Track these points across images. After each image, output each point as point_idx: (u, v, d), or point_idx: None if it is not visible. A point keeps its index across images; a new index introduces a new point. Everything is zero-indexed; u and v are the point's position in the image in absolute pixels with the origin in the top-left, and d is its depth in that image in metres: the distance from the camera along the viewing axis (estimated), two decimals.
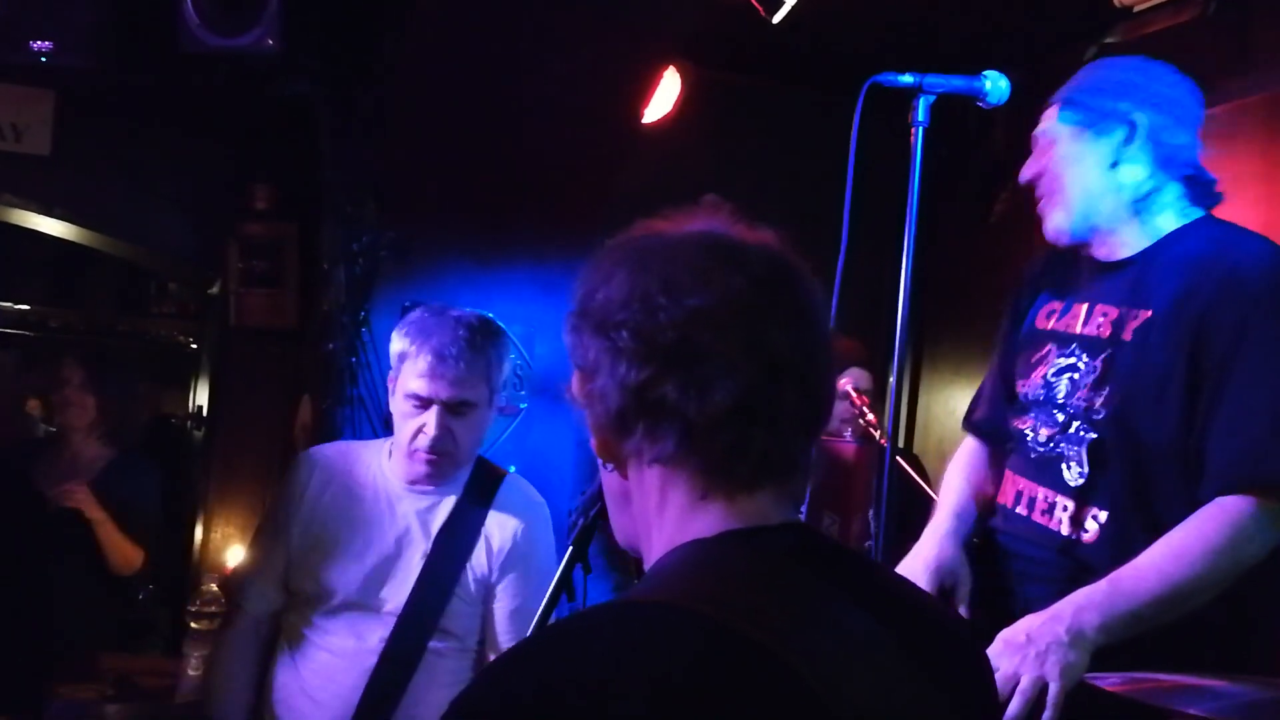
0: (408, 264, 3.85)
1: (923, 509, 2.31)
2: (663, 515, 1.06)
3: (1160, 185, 1.99)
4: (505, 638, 2.41)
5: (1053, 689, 1.74)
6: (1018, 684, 1.77)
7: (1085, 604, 1.80)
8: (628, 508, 1.11)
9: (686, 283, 1.02)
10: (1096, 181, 2.01)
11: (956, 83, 2.07)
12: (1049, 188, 2.07)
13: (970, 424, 2.36)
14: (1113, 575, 1.82)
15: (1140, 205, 2.00)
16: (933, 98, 2.05)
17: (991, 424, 2.28)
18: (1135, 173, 1.99)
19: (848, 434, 3.49)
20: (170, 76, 3.90)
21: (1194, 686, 1.52)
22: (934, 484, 2.93)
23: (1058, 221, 2.06)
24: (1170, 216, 2.01)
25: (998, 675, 1.78)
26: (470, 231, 3.83)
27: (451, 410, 2.32)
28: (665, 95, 4.10)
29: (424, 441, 2.33)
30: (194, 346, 6.00)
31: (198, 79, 3.90)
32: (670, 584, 0.99)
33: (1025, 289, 2.25)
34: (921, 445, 4.81)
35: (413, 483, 2.41)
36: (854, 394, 3.36)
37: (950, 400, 4.79)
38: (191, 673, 3.09)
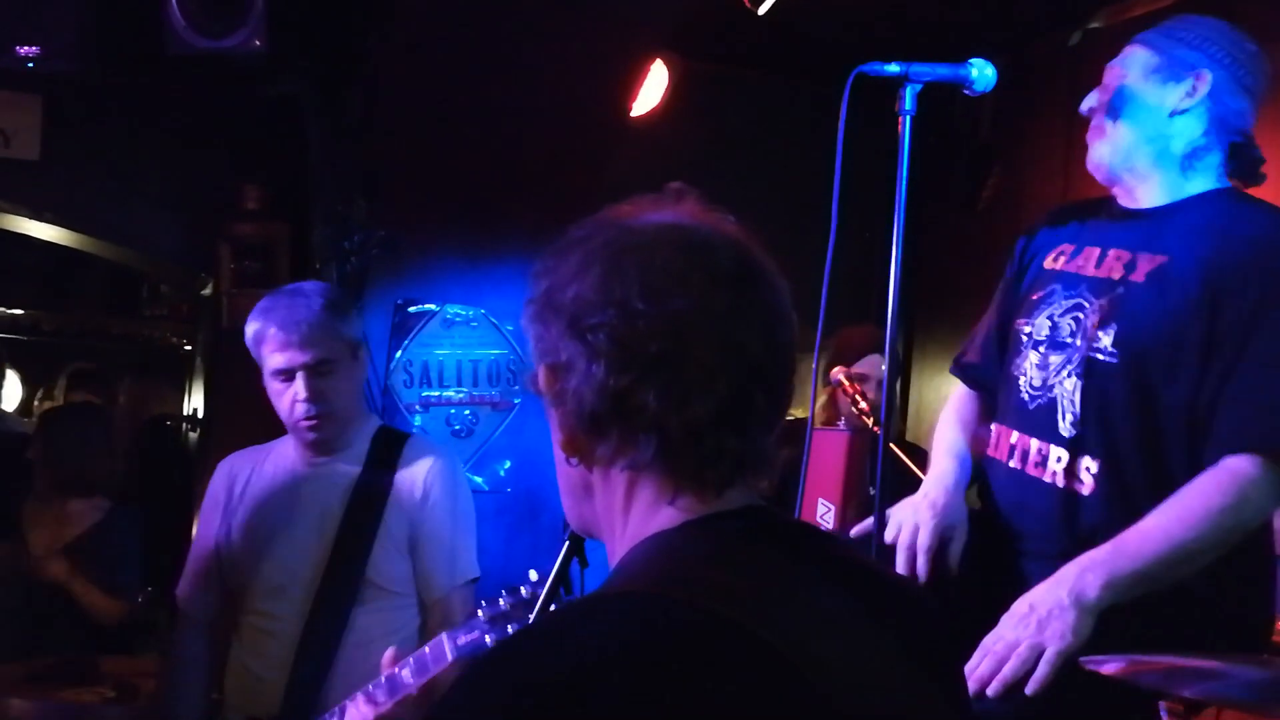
0: (399, 262, 3.86)
1: None
2: (628, 512, 1.06)
3: (1209, 146, 2.02)
4: (439, 580, 2.51)
5: (1049, 652, 1.75)
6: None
7: (1088, 566, 1.81)
8: (589, 500, 1.11)
9: (665, 287, 1.00)
10: (1151, 125, 2.03)
11: (942, 71, 2.07)
12: (1104, 120, 2.08)
13: (960, 367, 2.36)
14: (1117, 538, 1.83)
15: (1184, 160, 2.02)
16: (919, 86, 2.05)
17: (981, 370, 2.28)
18: (1190, 127, 2.01)
19: (841, 422, 3.49)
20: (158, 79, 3.89)
21: (1191, 668, 1.53)
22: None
23: (1100, 153, 2.08)
24: (1206, 179, 2.03)
25: (1003, 643, 1.80)
26: (461, 228, 3.83)
27: (314, 372, 2.43)
28: (653, 88, 4.11)
29: (300, 409, 2.44)
30: (187, 348, 6.00)
31: (185, 81, 3.90)
32: (638, 575, 0.99)
33: (1036, 234, 2.25)
34: (914, 432, 4.82)
35: (313, 456, 2.52)
36: (846, 382, 3.37)
37: (942, 387, 4.79)
38: None
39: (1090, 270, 2.05)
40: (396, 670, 1.98)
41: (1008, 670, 1.77)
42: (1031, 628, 1.78)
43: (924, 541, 2.02)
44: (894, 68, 2.04)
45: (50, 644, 3.52)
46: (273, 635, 2.45)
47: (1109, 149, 2.07)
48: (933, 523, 2.03)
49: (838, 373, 3.46)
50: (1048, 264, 2.15)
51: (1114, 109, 2.06)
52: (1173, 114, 2.01)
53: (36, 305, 6.42)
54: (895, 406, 4.80)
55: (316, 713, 2.32)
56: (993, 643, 1.81)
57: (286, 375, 2.43)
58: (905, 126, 2.06)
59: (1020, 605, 1.83)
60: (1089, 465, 1.95)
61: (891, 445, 2.47)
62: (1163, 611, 1.84)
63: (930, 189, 4.64)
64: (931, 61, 2.07)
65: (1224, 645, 1.87)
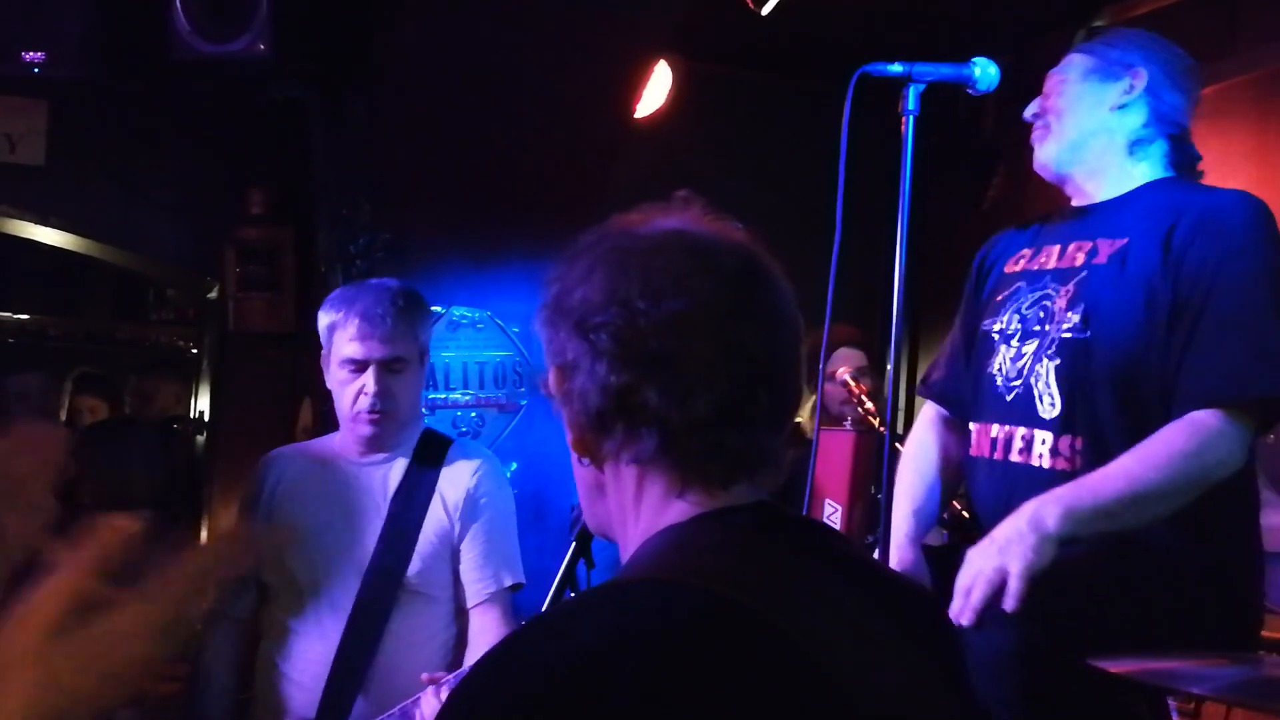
0: (404, 264, 3.86)
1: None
2: (639, 508, 1.08)
3: (1151, 137, 2.08)
4: (479, 585, 2.47)
5: (1014, 570, 1.76)
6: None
7: (1048, 498, 1.83)
8: (603, 499, 1.13)
9: (666, 287, 1.03)
10: (1095, 121, 2.09)
11: (945, 70, 2.07)
12: (1048, 121, 2.14)
13: (926, 386, 2.38)
14: (1082, 477, 1.87)
15: (1129, 150, 2.09)
16: (922, 86, 2.06)
17: (949, 384, 2.30)
18: (1131, 119, 2.08)
19: (847, 423, 3.50)
20: (163, 84, 3.91)
21: (1197, 667, 1.53)
22: None
23: (1048, 153, 2.14)
24: (1153, 167, 2.09)
25: (968, 574, 1.82)
26: (465, 230, 3.84)
27: (387, 369, 2.40)
28: (657, 89, 4.11)
29: (365, 402, 2.40)
30: (194, 352, 6.01)
31: (190, 86, 3.92)
32: (651, 564, 1.01)
33: (992, 247, 2.30)
34: None
35: (362, 451, 2.48)
36: (851, 383, 3.37)
37: None
38: None
39: (1053, 264, 2.09)
40: (412, 702, 1.96)
41: (976, 596, 1.79)
42: (993, 555, 1.80)
43: None
44: (897, 68, 2.04)
45: None
46: (307, 635, 2.42)
47: (1055, 147, 2.13)
48: None
49: (844, 373, 3.47)
50: (1009, 269, 2.19)
51: (1058, 110, 2.12)
52: (1114, 108, 2.08)
53: (43, 310, 6.44)
54: (898, 406, 4.80)
55: (354, 716, 2.32)
56: (962, 579, 1.83)
57: (358, 367, 2.39)
58: (909, 126, 2.06)
59: (983, 541, 1.86)
60: (1073, 443, 1.96)
61: (897, 445, 2.47)
62: (1155, 604, 1.87)
63: (934, 189, 4.64)
64: (935, 61, 2.07)
65: (1215, 638, 1.87)
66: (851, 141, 2.04)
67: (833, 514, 3.39)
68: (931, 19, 4.16)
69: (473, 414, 3.95)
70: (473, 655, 2.44)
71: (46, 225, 4.31)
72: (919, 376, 5.00)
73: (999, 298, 2.15)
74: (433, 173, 3.77)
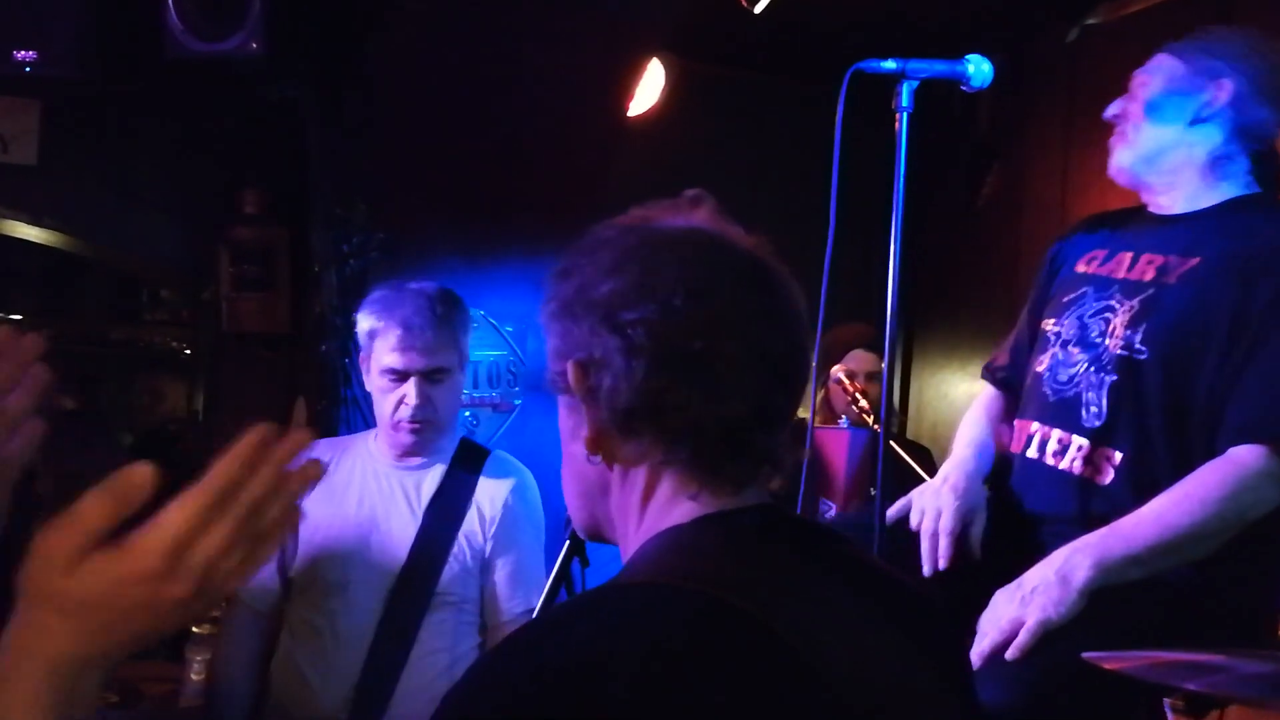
0: (399, 264, 3.85)
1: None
2: (645, 509, 1.07)
3: (1232, 154, 2.03)
4: (506, 604, 2.46)
5: (1029, 622, 1.77)
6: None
7: (1080, 547, 1.82)
8: (604, 499, 1.11)
9: (704, 287, 1.02)
10: (1171, 134, 2.04)
11: (939, 67, 2.07)
12: (1126, 127, 2.10)
13: (989, 370, 2.36)
14: (1115, 522, 1.85)
15: (1208, 168, 2.04)
16: (916, 83, 2.06)
17: (1010, 372, 2.29)
18: (1211, 134, 2.02)
19: (843, 421, 3.50)
20: (156, 83, 3.89)
21: (1197, 663, 1.53)
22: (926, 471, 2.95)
23: (1121, 159, 2.10)
24: (1233, 185, 2.04)
25: (987, 617, 1.83)
26: (460, 230, 3.83)
27: (428, 378, 2.40)
28: (650, 88, 4.11)
29: (406, 412, 2.40)
30: (188, 353, 6.00)
31: (183, 85, 3.90)
32: (652, 566, 1.01)
33: (1069, 240, 2.26)
34: (915, 430, 4.82)
35: (400, 457, 2.47)
36: (846, 381, 3.37)
37: (942, 385, 4.79)
38: (195, 677, 3.10)
39: (1122, 274, 2.06)
40: None
41: (986, 643, 1.79)
42: (1015, 603, 1.80)
43: (946, 525, 2.02)
44: (891, 64, 2.04)
45: None
46: (333, 637, 2.39)
47: (1130, 154, 2.08)
48: (954, 505, 2.03)
49: (838, 371, 3.47)
50: (1079, 268, 2.16)
51: (1136, 117, 2.08)
52: (1193, 122, 2.02)
53: (36, 311, 6.42)
54: (894, 405, 4.80)
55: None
56: (983, 623, 1.84)
57: (400, 377, 2.39)
58: (902, 124, 2.06)
59: (1012, 584, 1.85)
60: (1111, 456, 1.95)
61: (892, 444, 2.47)
62: (1161, 601, 1.85)
63: (928, 187, 4.64)
64: (928, 58, 2.07)
65: (1224, 636, 1.86)
66: (845, 139, 2.04)
67: (828, 512, 3.39)
68: (925, 17, 4.16)
69: (467, 414, 3.94)
70: None
71: (39, 226, 4.29)
72: (915, 370, 5.04)
73: (1065, 298, 2.13)
74: (427, 172, 3.76)
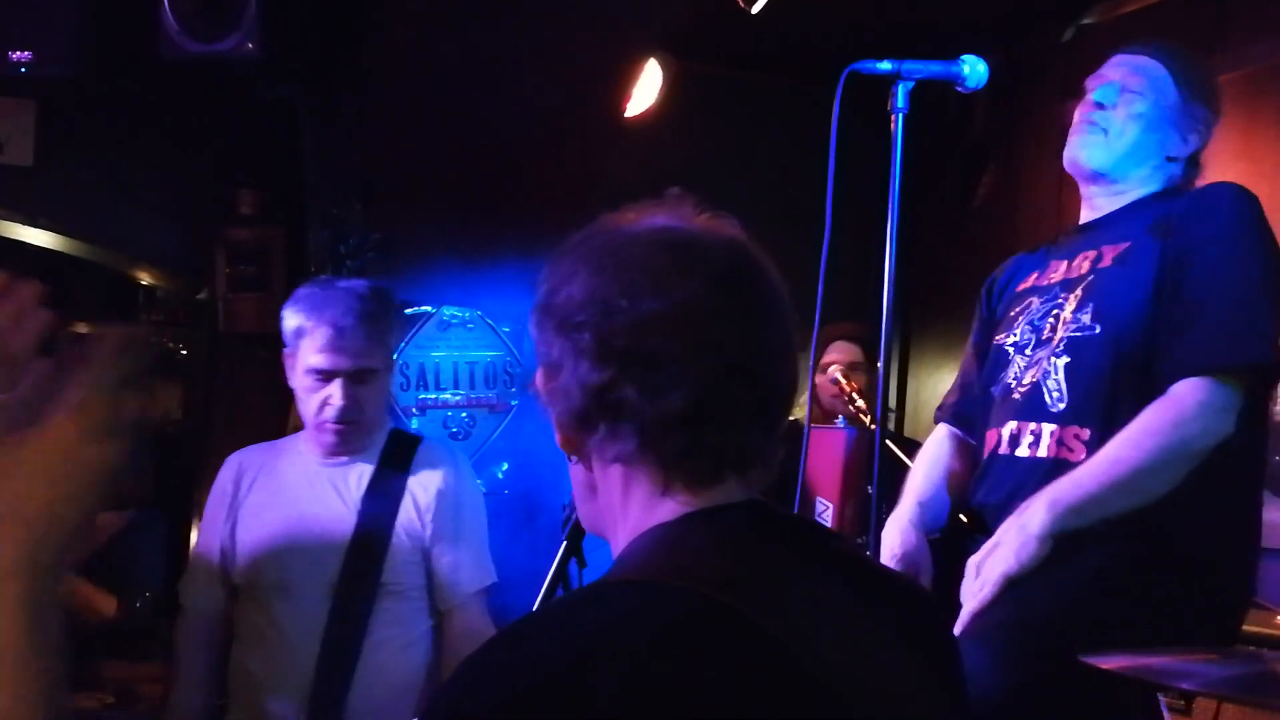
0: (395, 264, 3.86)
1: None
2: (627, 506, 1.08)
3: (1179, 188, 2.12)
4: (455, 589, 2.48)
5: (990, 576, 1.83)
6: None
7: (1038, 496, 1.87)
8: (594, 498, 1.13)
9: (643, 285, 1.03)
10: (1148, 159, 2.10)
11: (935, 68, 2.08)
12: (1108, 125, 2.10)
13: (942, 410, 2.39)
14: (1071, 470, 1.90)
15: (1157, 192, 2.11)
16: (912, 84, 2.06)
17: (960, 408, 2.32)
18: (1174, 172, 2.11)
19: (839, 420, 3.50)
20: (152, 83, 3.89)
21: (1191, 663, 1.54)
22: None
23: (1093, 155, 2.12)
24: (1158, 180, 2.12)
25: (965, 585, 1.88)
26: (456, 230, 3.83)
27: (354, 379, 2.39)
28: (647, 89, 4.11)
29: (331, 413, 2.39)
30: (184, 353, 5.99)
31: (179, 85, 3.90)
32: (638, 564, 1.01)
33: (1001, 274, 2.32)
34: (912, 429, 4.82)
35: (328, 455, 2.47)
36: (842, 380, 3.38)
37: (939, 383, 4.79)
38: None
39: (1060, 276, 2.12)
40: None
41: (965, 611, 1.85)
42: (983, 563, 1.87)
43: None
44: (886, 65, 2.04)
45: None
46: (280, 638, 2.40)
47: (1105, 156, 2.11)
48: (892, 567, 2.06)
49: (834, 370, 3.48)
50: (1020, 288, 2.21)
51: (1121, 126, 2.09)
52: (1168, 158, 2.10)
53: None
54: (890, 403, 4.81)
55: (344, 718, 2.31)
56: (963, 592, 1.90)
57: (325, 377, 2.38)
58: (898, 124, 2.07)
59: (984, 545, 1.90)
60: (1080, 433, 1.98)
61: (888, 442, 2.48)
62: (1143, 591, 1.87)
63: (924, 187, 4.65)
64: (924, 59, 2.07)
65: (1199, 623, 1.90)
66: (841, 140, 2.04)
67: (824, 511, 3.40)
68: (921, 18, 4.16)
69: (464, 414, 3.94)
70: (452, 657, 2.44)
71: (35, 226, 4.29)
72: (911, 368, 5.05)
73: (1011, 313, 2.17)
74: (423, 172, 3.77)
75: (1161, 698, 1.98)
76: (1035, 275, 2.19)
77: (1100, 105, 2.11)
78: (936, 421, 2.40)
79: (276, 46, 3.52)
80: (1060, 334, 2.03)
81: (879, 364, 2.12)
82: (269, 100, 3.92)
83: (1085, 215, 2.19)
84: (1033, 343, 2.08)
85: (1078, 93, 2.19)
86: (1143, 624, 1.85)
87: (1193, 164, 2.13)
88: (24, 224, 4.29)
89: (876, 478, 2.11)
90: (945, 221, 4.79)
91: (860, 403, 3.32)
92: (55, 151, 4.12)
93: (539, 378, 1.12)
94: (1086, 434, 1.96)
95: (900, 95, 2.05)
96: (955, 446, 2.31)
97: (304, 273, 4.03)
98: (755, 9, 3.48)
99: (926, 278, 4.81)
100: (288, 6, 3.61)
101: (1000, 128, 4.61)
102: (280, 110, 3.96)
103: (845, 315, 3.38)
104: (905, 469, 3.13)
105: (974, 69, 2.10)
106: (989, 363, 2.22)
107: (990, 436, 2.15)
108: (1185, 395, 1.86)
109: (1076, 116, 2.16)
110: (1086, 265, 2.07)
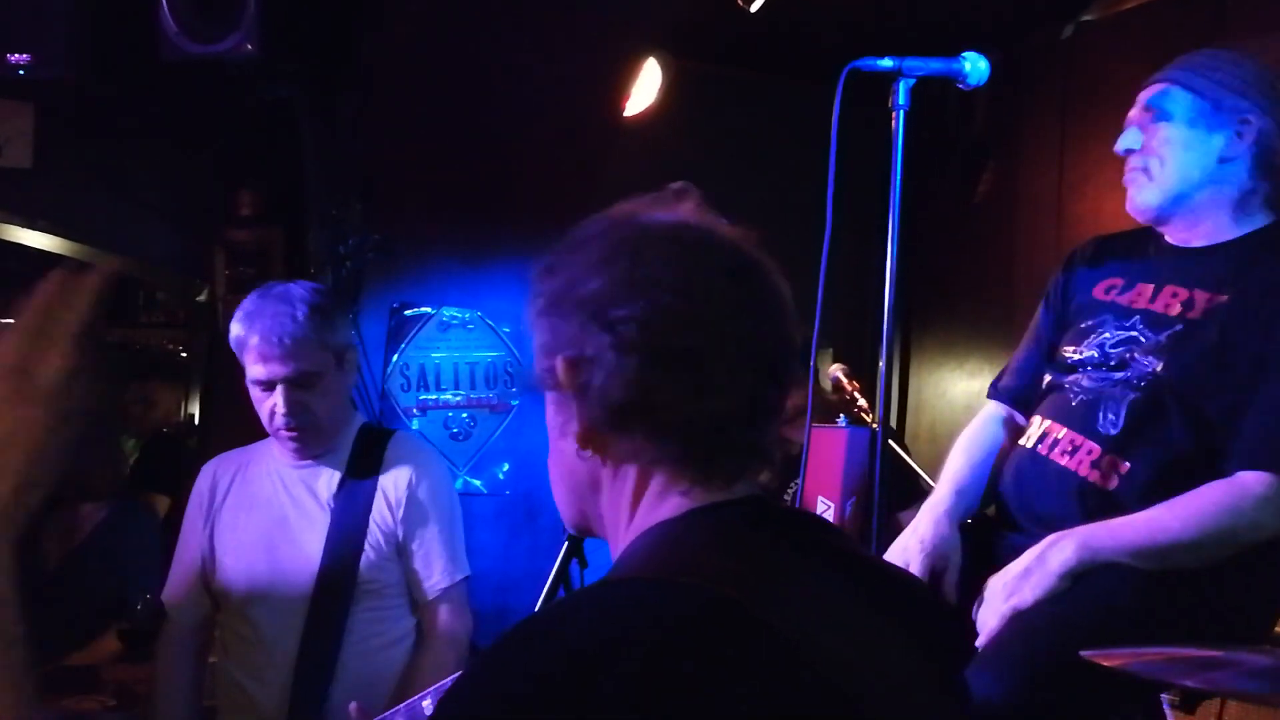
0: (394, 265, 3.85)
1: (917, 493, 2.31)
2: (635, 505, 1.07)
3: (1257, 188, 2.02)
4: (430, 583, 2.48)
5: (1000, 609, 1.84)
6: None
7: (1067, 532, 1.85)
8: (595, 495, 1.11)
9: (693, 282, 1.02)
10: (1202, 173, 2.02)
11: (935, 65, 2.07)
12: (1146, 164, 2.06)
13: (995, 389, 2.34)
14: (1109, 520, 1.87)
15: (1236, 205, 2.03)
16: (912, 81, 2.05)
17: (1018, 391, 2.27)
18: (1238, 172, 2.01)
19: (840, 420, 3.49)
20: (150, 85, 3.88)
21: (1193, 659, 1.53)
22: (926, 469, 2.95)
23: (1147, 198, 2.06)
24: (1256, 218, 2.04)
25: (984, 610, 1.88)
26: (456, 230, 3.83)
27: (296, 385, 2.38)
28: (647, 88, 4.11)
29: (279, 420, 2.40)
30: (184, 355, 5.99)
31: (178, 87, 3.89)
32: (642, 562, 1.01)
33: (1075, 266, 2.24)
34: (913, 428, 4.82)
35: (297, 459, 2.49)
36: (845, 380, 3.37)
37: (940, 382, 4.80)
38: None
39: (1143, 304, 2.05)
40: (418, 700, 1.96)
41: (984, 636, 1.85)
42: (1001, 592, 1.86)
43: None
44: (887, 62, 2.04)
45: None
46: (260, 642, 2.41)
47: (1157, 194, 2.05)
48: (921, 559, 2.04)
49: (835, 370, 3.47)
50: (1096, 294, 2.14)
51: (1160, 155, 2.05)
52: (1221, 160, 2.01)
53: None
54: (892, 402, 4.81)
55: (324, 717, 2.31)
56: (981, 615, 1.89)
57: (267, 386, 2.38)
58: (899, 121, 2.06)
59: (1001, 572, 1.90)
60: (1120, 465, 1.95)
61: (890, 442, 2.47)
62: (1164, 601, 1.85)
63: (925, 184, 4.65)
64: (924, 56, 2.07)
65: (1225, 634, 1.87)
66: (842, 137, 2.04)
67: (825, 510, 3.39)
68: (921, 15, 4.16)
69: (464, 415, 3.94)
70: (432, 651, 2.45)
71: (34, 229, 4.29)
72: (913, 367, 5.04)
73: (1083, 324, 2.12)
74: (423, 173, 3.76)
75: (1164, 697, 1.97)
76: (1117, 288, 2.12)
77: (1130, 152, 2.08)
78: (990, 398, 2.34)
79: (276, 47, 3.52)
80: (1133, 372, 1.98)
81: (880, 363, 2.11)
82: (268, 101, 3.91)
83: (1175, 240, 2.10)
84: (1102, 366, 2.04)
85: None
86: (1168, 625, 1.85)
87: (1267, 166, 2.02)
88: (23, 226, 4.28)
89: (879, 478, 2.10)
90: (945, 219, 4.79)
91: (862, 402, 3.32)
92: (54, 153, 4.12)
93: (561, 370, 1.05)
94: (1126, 468, 1.94)
95: (901, 92, 2.05)
96: (1004, 429, 2.27)
97: (304, 274, 4.02)
98: (754, 7, 3.47)
99: (927, 275, 4.80)
100: (287, 7, 3.60)
101: (1001, 125, 4.60)
102: (280, 111, 3.95)
103: (845, 315, 3.38)
104: (906, 468, 3.13)
105: (975, 66, 2.09)
106: (1051, 362, 2.18)
107: (1033, 425, 2.13)
108: (1250, 486, 1.83)
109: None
110: (1176, 307, 1.99)
